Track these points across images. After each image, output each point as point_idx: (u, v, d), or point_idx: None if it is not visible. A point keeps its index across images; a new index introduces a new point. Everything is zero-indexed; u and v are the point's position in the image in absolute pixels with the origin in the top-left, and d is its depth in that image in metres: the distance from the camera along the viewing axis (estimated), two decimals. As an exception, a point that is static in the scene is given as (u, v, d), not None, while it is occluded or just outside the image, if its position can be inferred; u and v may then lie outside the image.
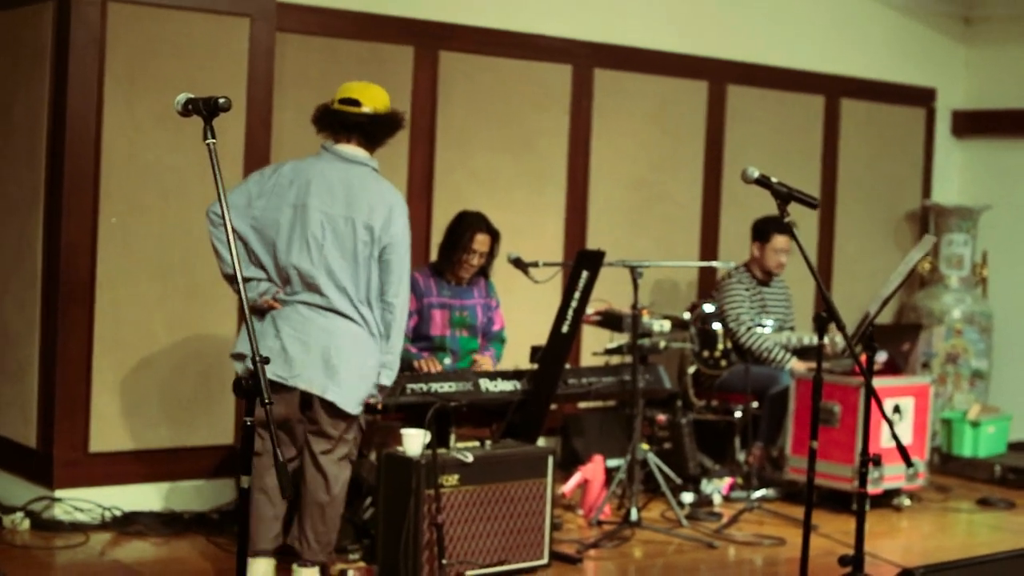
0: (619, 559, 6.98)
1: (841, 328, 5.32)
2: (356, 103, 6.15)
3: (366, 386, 6.01)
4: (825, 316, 5.47)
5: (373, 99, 6.16)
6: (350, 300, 5.98)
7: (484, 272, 7.48)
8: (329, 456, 6.07)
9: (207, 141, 4.08)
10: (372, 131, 6.16)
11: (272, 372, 5.84)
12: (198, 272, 7.24)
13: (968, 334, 10.43)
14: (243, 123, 7.34)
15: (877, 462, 5.61)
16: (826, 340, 8.63)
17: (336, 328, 5.96)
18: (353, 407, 5.99)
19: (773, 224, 8.73)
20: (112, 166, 7.03)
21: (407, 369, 6.91)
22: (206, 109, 4.11)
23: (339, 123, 6.16)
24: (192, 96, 4.17)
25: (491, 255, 7.40)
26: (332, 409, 5.97)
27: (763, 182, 5.45)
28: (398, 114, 6.23)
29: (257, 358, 3.83)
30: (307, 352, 5.95)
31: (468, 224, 7.29)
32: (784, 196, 5.40)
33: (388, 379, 6.07)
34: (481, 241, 7.30)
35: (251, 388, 3.83)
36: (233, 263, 3.95)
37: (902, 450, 5.41)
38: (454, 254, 7.30)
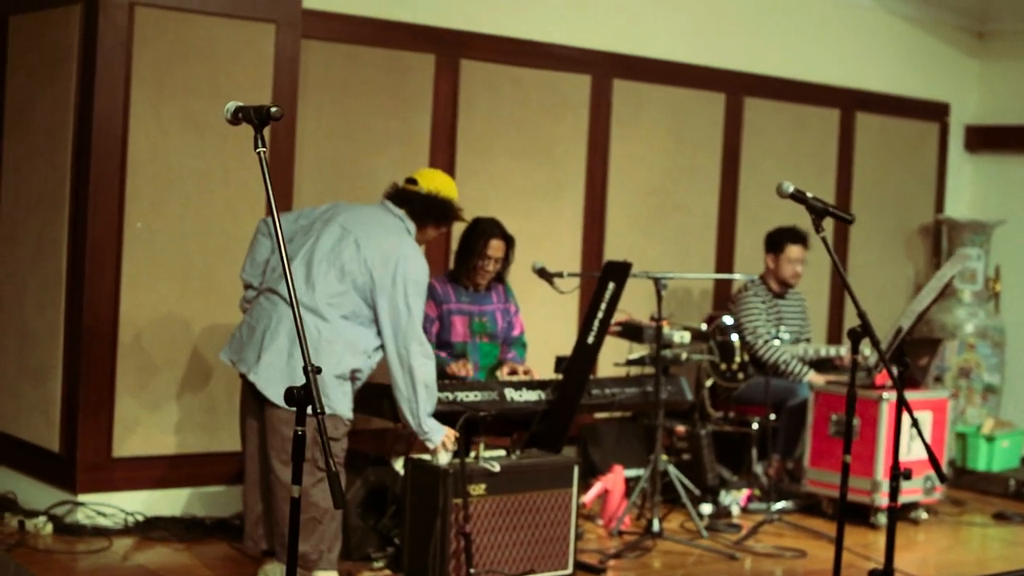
0: (641, 569, 6.98)
1: (875, 343, 5.32)
2: (414, 182, 6.46)
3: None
4: (860, 331, 5.46)
5: (432, 180, 6.47)
6: (317, 300, 6.04)
7: (500, 277, 7.49)
8: (276, 458, 6.04)
9: (258, 150, 4.08)
10: (420, 207, 6.35)
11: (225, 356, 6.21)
12: (219, 275, 7.25)
13: (981, 348, 10.44)
14: (267, 129, 7.31)
15: (908, 476, 5.59)
16: (843, 352, 8.70)
17: (283, 314, 6.02)
18: (272, 395, 5.94)
19: (787, 235, 8.75)
20: (137, 168, 7.03)
21: (441, 376, 6.92)
22: (257, 118, 4.11)
23: (397, 195, 6.43)
24: (242, 104, 4.16)
25: (506, 260, 7.40)
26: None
27: (798, 197, 5.44)
28: (452, 204, 6.43)
29: (309, 367, 3.82)
30: (251, 335, 6.11)
31: (482, 230, 7.30)
32: (820, 211, 5.39)
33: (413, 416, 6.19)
34: (496, 247, 7.30)
35: (303, 398, 3.81)
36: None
37: (935, 463, 5.40)
38: (470, 260, 7.31)
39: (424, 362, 6.10)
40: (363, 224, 6.19)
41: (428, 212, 6.34)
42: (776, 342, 8.68)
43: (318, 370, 3.82)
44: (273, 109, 4.06)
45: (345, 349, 6.03)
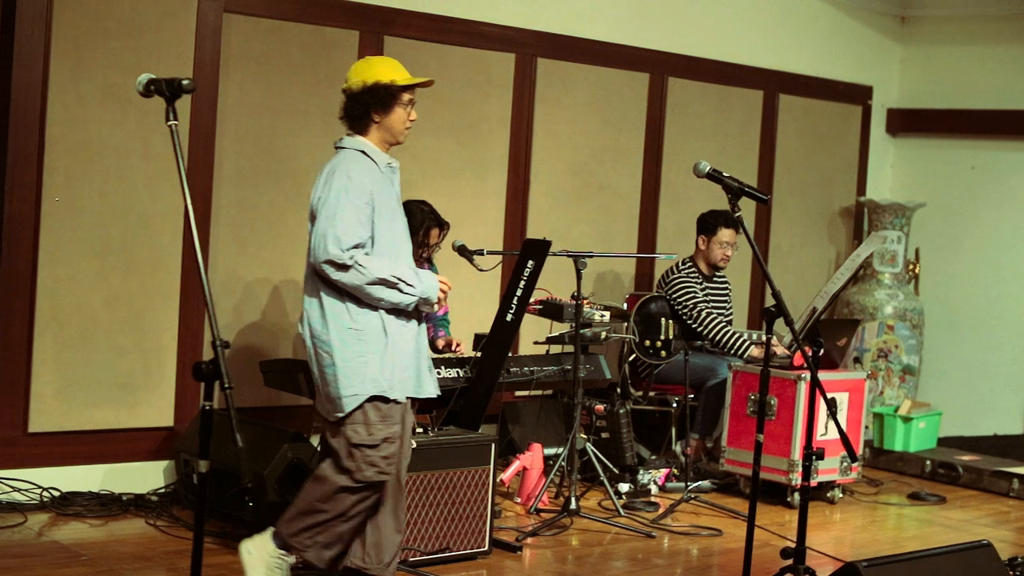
0: (558, 547, 7.01)
1: (789, 323, 5.37)
2: (346, 89, 5.72)
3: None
4: (773, 310, 5.50)
5: (351, 75, 5.70)
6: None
7: (428, 258, 7.50)
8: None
9: (170, 123, 4.04)
10: (355, 110, 5.66)
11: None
12: (139, 251, 7.22)
13: (900, 330, 10.54)
14: (188, 103, 7.30)
15: (821, 456, 5.65)
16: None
17: None
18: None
19: (721, 217, 8.80)
20: (55, 142, 6.98)
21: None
22: (169, 91, 4.08)
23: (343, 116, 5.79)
24: (154, 77, 4.13)
25: (438, 245, 7.42)
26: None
27: (715, 176, 5.50)
28: (383, 83, 5.59)
29: (217, 343, 3.81)
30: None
31: (421, 219, 7.28)
32: (736, 191, 5.45)
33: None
34: (435, 235, 7.32)
35: (211, 372, 3.80)
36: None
37: (847, 443, 5.47)
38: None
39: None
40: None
41: (366, 107, 5.61)
42: (719, 317, 8.74)
43: (226, 344, 3.80)
44: (184, 82, 4.04)
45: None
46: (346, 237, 5.38)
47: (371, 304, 5.47)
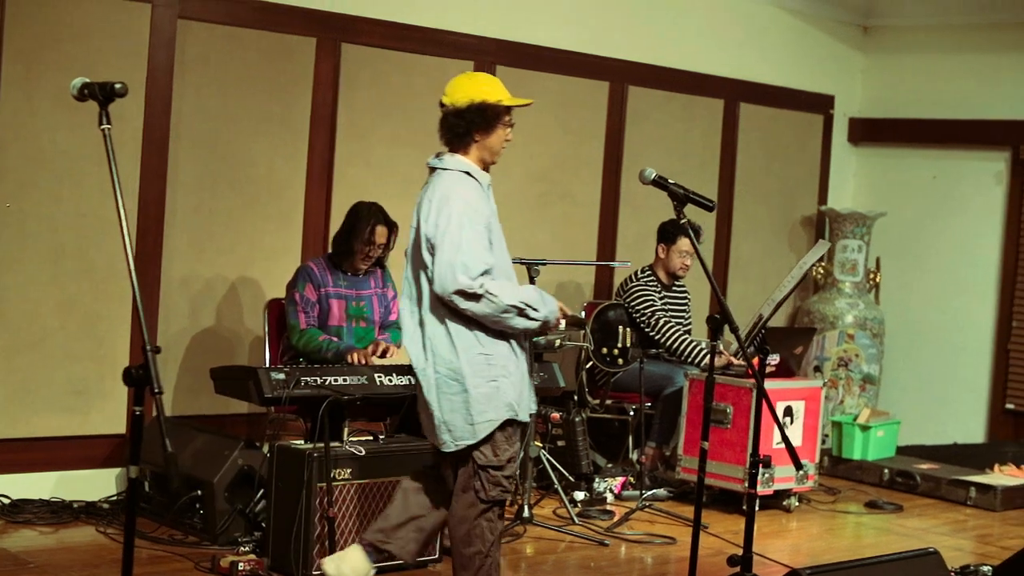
0: (511, 555, 6.99)
1: (734, 330, 5.37)
2: (443, 104, 5.56)
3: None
4: (719, 318, 5.51)
5: (453, 91, 5.55)
6: None
7: (380, 263, 7.49)
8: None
9: (102, 127, 4.02)
10: (452, 127, 5.51)
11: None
12: (92, 256, 7.19)
13: (860, 339, 10.57)
14: (142, 109, 7.29)
15: (767, 464, 5.66)
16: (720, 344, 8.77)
17: None
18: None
19: (681, 227, 8.77)
20: (6, 147, 6.96)
21: (335, 362, 6.94)
22: (102, 94, 4.06)
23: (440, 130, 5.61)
24: (88, 81, 4.11)
25: (387, 246, 7.40)
26: None
27: (660, 183, 5.49)
28: (489, 103, 5.46)
29: (148, 347, 3.79)
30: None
31: (367, 216, 7.29)
32: (681, 198, 5.45)
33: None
34: (381, 233, 7.31)
35: (140, 377, 3.78)
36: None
37: (792, 452, 5.47)
38: (352, 245, 7.31)
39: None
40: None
41: (469, 125, 5.46)
42: (677, 326, 8.74)
43: (157, 350, 3.79)
44: (117, 85, 4.01)
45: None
46: (474, 265, 5.25)
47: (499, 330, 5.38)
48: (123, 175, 7.08)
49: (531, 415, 5.57)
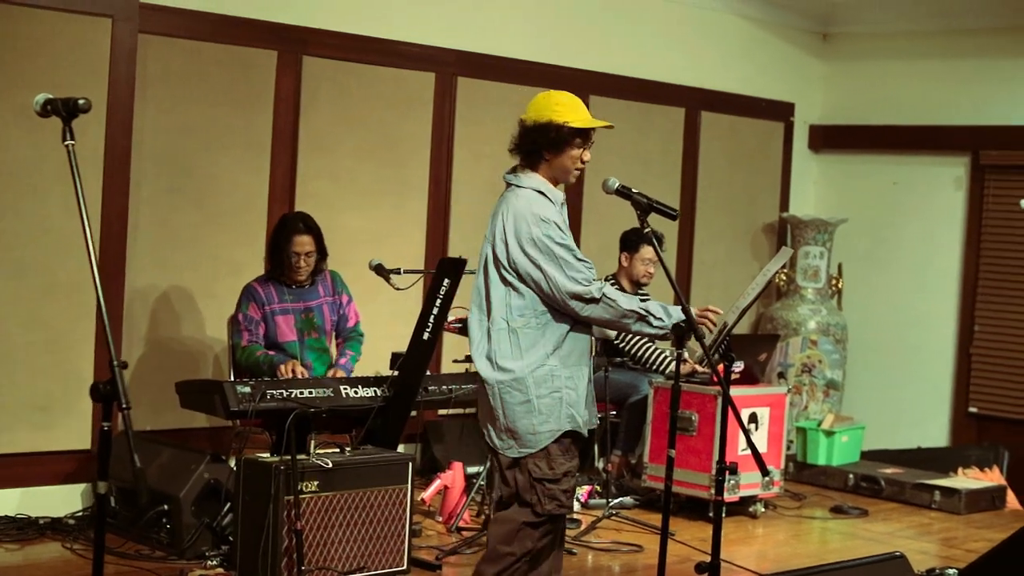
0: (473, 567, 6.98)
1: (699, 338, 5.38)
2: (522, 121, 5.52)
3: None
4: (683, 326, 5.51)
5: (530, 108, 5.51)
6: None
7: (321, 269, 7.48)
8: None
9: (66, 143, 4.02)
10: (522, 144, 5.50)
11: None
12: (56, 272, 7.16)
13: (823, 345, 10.62)
14: (103, 124, 7.27)
15: (733, 471, 5.68)
16: (685, 355, 8.79)
17: None
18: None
19: (644, 235, 8.78)
20: (-32, 165, 6.94)
21: (271, 375, 6.95)
22: (65, 110, 4.05)
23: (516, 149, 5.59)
24: (51, 96, 4.11)
25: (321, 253, 7.40)
26: None
27: (624, 192, 5.50)
28: (552, 122, 5.39)
29: (115, 362, 3.78)
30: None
31: (285, 227, 7.36)
32: (644, 207, 5.45)
33: None
34: (300, 243, 7.32)
35: (108, 392, 3.78)
36: None
37: (758, 459, 5.48)
38: (279, 258, 7.34)
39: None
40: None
41: (537, 144, 5.42)
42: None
43: (124, 365, 3.78)
44: (81, 101, 4.01)
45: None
46: (579, 274, 5.29)
47: (577, 336, 5.37)
48: (85, 191, 7.11)
49: (590, 430, 5.53)
